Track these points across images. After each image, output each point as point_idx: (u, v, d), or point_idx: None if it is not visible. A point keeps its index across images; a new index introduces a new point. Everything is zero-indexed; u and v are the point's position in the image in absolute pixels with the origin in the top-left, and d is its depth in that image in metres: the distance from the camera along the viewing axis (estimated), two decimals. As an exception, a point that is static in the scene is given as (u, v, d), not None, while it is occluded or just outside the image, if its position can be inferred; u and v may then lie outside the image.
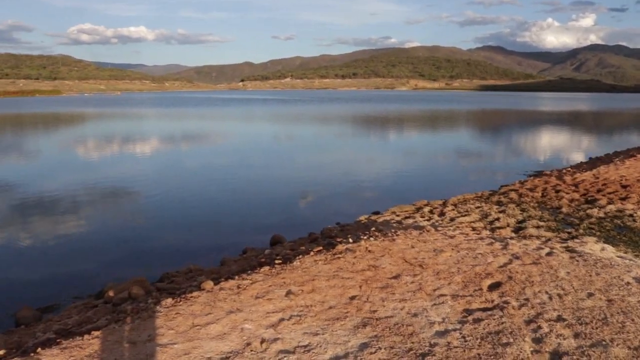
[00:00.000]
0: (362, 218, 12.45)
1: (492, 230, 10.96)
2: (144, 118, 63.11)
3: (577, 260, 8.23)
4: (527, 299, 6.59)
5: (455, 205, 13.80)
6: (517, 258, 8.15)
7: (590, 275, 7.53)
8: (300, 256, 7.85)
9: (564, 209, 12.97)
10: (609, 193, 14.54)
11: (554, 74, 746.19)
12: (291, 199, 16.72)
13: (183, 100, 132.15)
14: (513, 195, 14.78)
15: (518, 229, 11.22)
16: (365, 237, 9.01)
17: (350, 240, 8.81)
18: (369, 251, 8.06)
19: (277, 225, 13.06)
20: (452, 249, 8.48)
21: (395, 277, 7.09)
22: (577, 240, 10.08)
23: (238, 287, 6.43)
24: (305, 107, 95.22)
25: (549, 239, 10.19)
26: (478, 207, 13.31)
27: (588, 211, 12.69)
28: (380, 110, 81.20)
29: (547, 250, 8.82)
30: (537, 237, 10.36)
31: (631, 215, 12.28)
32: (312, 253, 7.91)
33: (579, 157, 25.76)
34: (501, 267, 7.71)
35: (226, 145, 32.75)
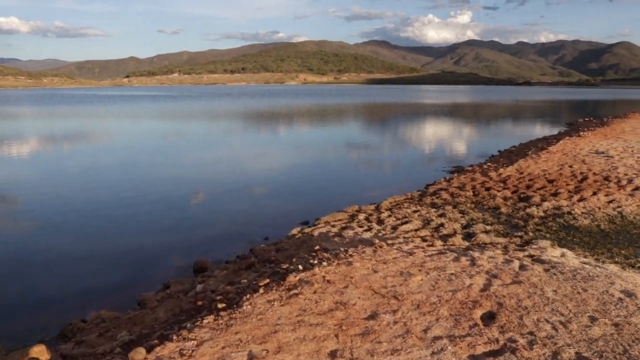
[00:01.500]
0: (295, 231, 11.04)
1: (443, 239, 10.01)
2: (21, 117, 57.07)
3: (555, 274, 7.38)
4: (532, 333, 5.56)
5: (390, 210, 12.78)
6: (495, 277, 7.15)
7: (579, 293, 6.68)
8: (248, 295, 6.30)
9: (502, 209, 12.36)
10: (539, 189, 14.21)
11: (436, 67, 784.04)
12: (204, 210, 14.77)
13: (64, 98, 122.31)
14: (445, 195, 14.04)
15: (468, 236, 10.37)
16: (315, 262, 7.62)
17: (300, 266, 7.38)
18: (328, 282, 6.69)
19: (195, 245, 11.29)
20: (419, 270, 7.32)
21: (372, 317, 5.78)
22: (535, 246, 9.36)
23: (181, 353, 4.78)
24: (197, 103, 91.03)
25: (506, 247, 9.40)
26: (415, 212, 12.37)
27: (527, 210, 12.17)
28: (275, 105, 79.57)
29: (517, 263, 7.92)
30: (493, 245, 9.54)
31: (569, 213, 11.90)
32: (260, 290, 6.38)
33: (488, 150, 25.95)
34: (483, 290, 6.65)
35: (118, 148, 29.51)
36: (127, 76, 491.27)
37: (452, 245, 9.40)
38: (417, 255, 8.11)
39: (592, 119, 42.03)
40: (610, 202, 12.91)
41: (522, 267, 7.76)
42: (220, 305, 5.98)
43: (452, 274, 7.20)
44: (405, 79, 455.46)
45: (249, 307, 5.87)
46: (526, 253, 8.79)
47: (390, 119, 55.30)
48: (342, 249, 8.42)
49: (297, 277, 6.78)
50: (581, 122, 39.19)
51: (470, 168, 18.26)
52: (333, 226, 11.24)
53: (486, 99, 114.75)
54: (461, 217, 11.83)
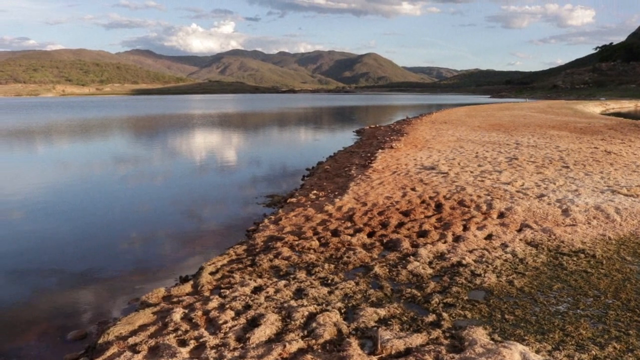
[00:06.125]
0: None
1: (335, 356, 5.96)
2: None
3: None
4: None
5: (218, 291, 8.34)
6: None
7: None
8: None
9: (377, 269, 8.83)
10: (398, 227, 11.08)
11: (202, 76, 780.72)
12: None
13: None
14: (285, 250, 10.06)
15: (363, 336, 6.51)
16: None
17: None
18: None
19: None
20: None
21: None
22: (478, 348, 5.92)
23: None
24: None
25: (439, 358, 5.73)
26: (258, 290, 8.16)
27: (409, 267, 8.85)
28: (28, 121, 66.92)
29: None
30: (418, 357, 5.79)
31: (461, 264, 8.92)
32: None
33: (293, 168, 22.80)
34: None
35: None
36: None
37: (360, 375, 5.42)
38: None
39: (377, 125, 41.93)
40: (489, 238, 10.33)
41: None
42: None
43: None
44: (172, 89, 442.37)
45: None
46: (487, 377, 5.23)
47: (165, 134, 48.61)
48: None
49: None
50: (368, 130, 38.57)
51: (294, 200, 14.51)
52: (136, 349, 6.42)
53: (259, 107, 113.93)
54: (328, 293, 7.94)
